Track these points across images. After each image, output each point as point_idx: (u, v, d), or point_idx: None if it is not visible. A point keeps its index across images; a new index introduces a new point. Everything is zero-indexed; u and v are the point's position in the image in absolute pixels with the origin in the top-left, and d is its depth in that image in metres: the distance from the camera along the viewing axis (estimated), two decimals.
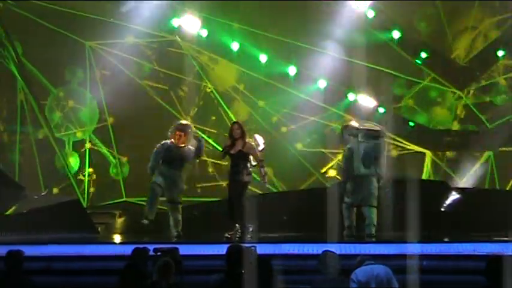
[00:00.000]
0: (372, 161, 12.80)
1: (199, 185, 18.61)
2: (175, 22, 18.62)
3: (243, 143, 12.98)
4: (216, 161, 18.39)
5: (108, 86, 18.55)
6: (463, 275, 10.34)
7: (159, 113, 18.46)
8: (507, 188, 18.00)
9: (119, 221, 17.05)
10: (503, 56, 18.72)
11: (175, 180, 13.28)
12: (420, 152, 18.85)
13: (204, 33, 18.59)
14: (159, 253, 8.97)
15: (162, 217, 13.63)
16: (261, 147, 13.27)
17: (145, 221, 13.29)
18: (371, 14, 18.72)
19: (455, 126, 19.03)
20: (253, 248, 8.63)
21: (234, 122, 13.61)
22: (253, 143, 13.05)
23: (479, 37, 19.05)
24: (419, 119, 18.96)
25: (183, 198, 13.75)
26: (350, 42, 18.63)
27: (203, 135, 17.59)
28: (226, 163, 14.07)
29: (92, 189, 18.68)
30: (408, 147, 18.88)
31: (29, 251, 9.71)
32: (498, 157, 18.65)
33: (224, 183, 16.32)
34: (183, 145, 13.23)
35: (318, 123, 18.91)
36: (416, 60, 18.97)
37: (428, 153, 18.82)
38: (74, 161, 18.80)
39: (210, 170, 18.79)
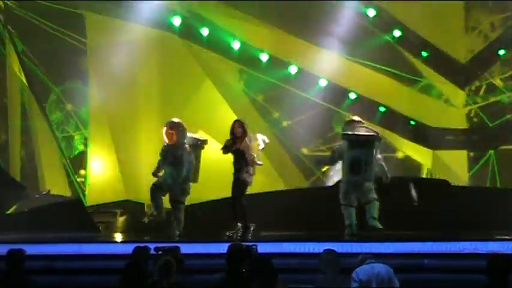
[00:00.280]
0: (361, 166, 12.71)
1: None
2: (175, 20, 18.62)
3: (244, 141, 12.99)
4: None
5: (111, 87, 18.56)
6: (464, 273, 10.34)
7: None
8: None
9: (120, 220, 17.05)
10: (503, 54, 18.72)
11: (176, 180, 13.26)
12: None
13: (205, 31, 18.58)
14: (160, 252, 8.96)
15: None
16: (261, 146, 13.26)
17: (146, 220, 13.30)
18: (372, 13, 18.72)
19: (457, 124, 19.01)
20: (254, 246, 8.64)
21: (236, 120, 13.57)
22: (249, 143, 13.02)
23: (480, 36, 19.04)
24: (421, 118, 18.94)
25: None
26: (351, 41, 18.64)
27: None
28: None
29: (92, 189, 18.67)
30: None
31: (30, 250, 9.71)
32: (499, 156, 18.66)
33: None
34: (174, 143, 13.20)
35: (318, 122, 18.91)
36: (417, 59, 18.97)
37: (428, 152, 18.82)
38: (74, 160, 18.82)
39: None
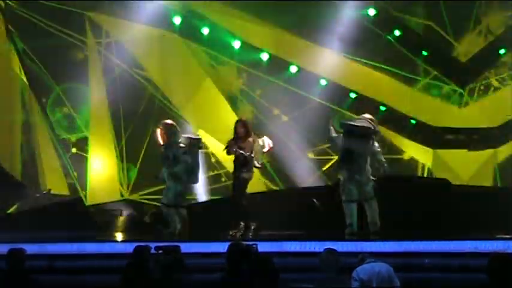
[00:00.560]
0: (353, 157, 12.69)
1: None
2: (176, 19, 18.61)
3: (246, 141, 12.97)
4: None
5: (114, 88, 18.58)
6: (465, 272, 10.34)
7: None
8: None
9: (121, 219, 17.06)
10: (504, 53, 18.70)
11: (168, 183, 13.27)
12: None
13: (206, 30, 18.57)
14: (160, 251, 8.97)
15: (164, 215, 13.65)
16: (266, 149, 13.25)
17: (147, 219, 13.32)
18: (372, 12, 18.71)
19: (457, 124, 19.00)
20: (254, 246, 8.65)
21: (238, 120, 13.56)
22: (252, 143, 13.01)
23: (481, 35, 19.03)
24: (421, 117, 18.93)
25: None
26: (351, 40, 18.63)
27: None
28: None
29: (92, 189, 18.66)
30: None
31: (31, 249, 9.72)
32: (499, 156, 18.65)
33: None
34: (166, 143, 13.23)
35: (319, 122, 18.89)
36: (417, 58, 18.96)
37: (429, 151, 18.81)
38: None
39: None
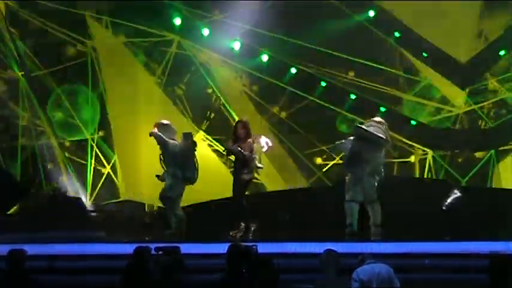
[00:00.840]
0: (361, 160, 12.69)
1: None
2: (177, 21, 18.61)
3: (246, 142, 12.97)
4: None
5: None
6: (466, 273, 10.34)
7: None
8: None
9: (121, 220, 17.06)
10: (504, 55, 18.71)
11: (168, 182, 13.31)
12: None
13: (206, 32, 18.57)
14: (160, 252, 8.97)
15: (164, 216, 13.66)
16: (265, 148, 13.25)
17: (148, 220, 13.34)
18: (372, 13, 18.73)
19: (457, 124, 19.02)
20: (254, 246, 8.65)
21: (238, 121, 13.55)
22: (252, 144, 13.01)
23: (480, 36, 19.04)
24: (421, 118, 18.95)
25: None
26: (351, 40, 18.66)
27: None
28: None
29: (94, 188, 18.69)
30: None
31: (32, 249, 9.72)
32: (500, 156, 18.67)
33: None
34: (157, 142, 13.30)
35: (319, 122, 18.92)
36: (418, 59, 18.97)
37: (430, 153, 18.83)
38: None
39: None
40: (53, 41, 18.57)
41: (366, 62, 18.67)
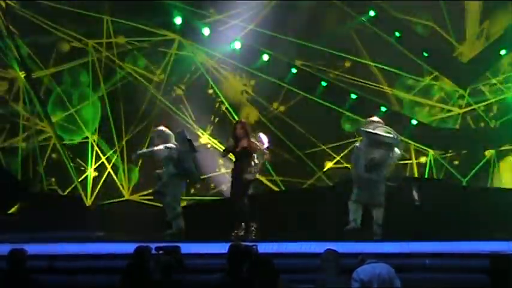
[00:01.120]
0: (375, 166, 12.67)
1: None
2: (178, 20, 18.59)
3: (247, 142, 12.97)
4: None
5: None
6: (466, 273, 10.34)
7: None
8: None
9: (121, 219, 17.05)
10: (505, 54, 18.70)
11: (169, 182, 13.37)
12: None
13: (206, 31, 18.54)
14: (161, 252, 8.98)
15: (164, 216, 13.67)
16: (266, 145, 13.26)
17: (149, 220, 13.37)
18: (372, 12, 18.73)
19: (457, 124, 19.01)
20: (254, 246, 8.65)
21: (237, 121, 13.58)
22: (251, 144, 13.01)
23: (481, 36, 19.04)
24: (422, 118, 18.94)
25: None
26: (351, 40, 18.66)
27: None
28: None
29: (93, 189, 18.67)
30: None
31: (32, 249, 9.72)
32: (500, 156, 18.67)
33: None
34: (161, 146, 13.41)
35: (319, 122, 18.90)
36: (418, 59, 18.96)
37: (431, 152, 18.82)
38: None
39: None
40: (53, 40, 18.57)
41: (367, 62, 18.68)
